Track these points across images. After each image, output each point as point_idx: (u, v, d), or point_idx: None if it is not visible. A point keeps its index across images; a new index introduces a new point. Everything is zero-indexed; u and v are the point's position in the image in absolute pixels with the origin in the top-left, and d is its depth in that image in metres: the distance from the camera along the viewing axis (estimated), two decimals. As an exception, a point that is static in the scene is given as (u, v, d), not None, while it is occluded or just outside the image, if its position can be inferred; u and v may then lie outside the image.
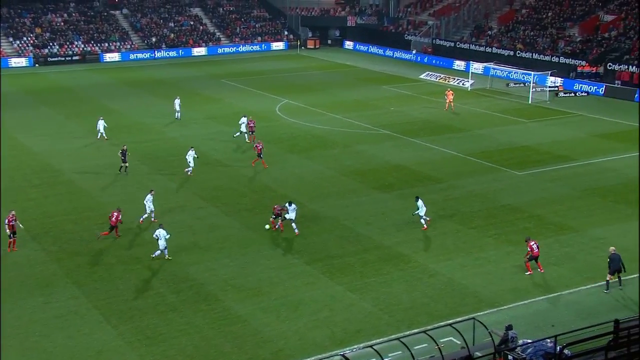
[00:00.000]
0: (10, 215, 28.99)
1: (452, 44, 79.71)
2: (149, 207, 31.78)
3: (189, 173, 38.23)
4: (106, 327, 23.20)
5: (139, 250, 29.19)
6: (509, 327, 20.00)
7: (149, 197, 31.95)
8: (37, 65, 78.01)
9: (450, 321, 21.15)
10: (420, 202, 31.17)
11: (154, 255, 28.10)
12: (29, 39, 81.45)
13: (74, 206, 34.08)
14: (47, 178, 38.27)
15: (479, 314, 23.34)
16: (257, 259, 28.40)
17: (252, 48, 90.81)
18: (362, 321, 23.69)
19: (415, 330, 22.50)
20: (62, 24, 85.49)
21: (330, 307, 24.61)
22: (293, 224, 30.83)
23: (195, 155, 38.70)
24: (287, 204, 30.99)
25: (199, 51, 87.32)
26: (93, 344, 22.25)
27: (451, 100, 55.31)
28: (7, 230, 28.79)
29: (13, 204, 33.93)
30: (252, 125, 45.05)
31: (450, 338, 20.38)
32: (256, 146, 40.14)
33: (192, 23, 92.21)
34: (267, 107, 56.15)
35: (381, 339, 22.14)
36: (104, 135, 45.86)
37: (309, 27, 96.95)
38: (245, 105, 57.06)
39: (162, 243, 27.93)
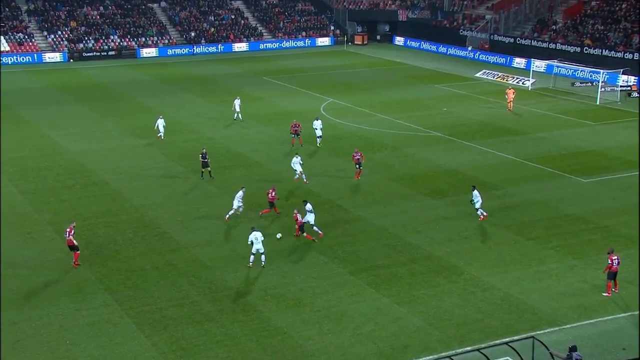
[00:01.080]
0: (70, 228, 28.43)
1: (512, 40, 78.76)
2: (237, 203, 32.71)
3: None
4: (139, 336, 23.60)
5: (174, 255, 29.63)
6: (573, 349, 19.62)
7: (240, 193, 32.89)
8: (71, 60, 79.94)
9: (507, 339, 20.92)
10: (476, 192, 32.25)
11: (250, 264, 28.28)
12: (64, 33, 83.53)
13: (108, 209, 34.80)
14: (81, 179, 39.18)
15: (538, 332, 22.99)
16: (298, 268, 28.52)
17: (295, 44, 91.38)
18: (410, 336, 23.57)
19: (468, 348, 22.28)
20: (98, 17, 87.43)
21: (376, 320, 24.56)
22: (315, 227, 31.06)
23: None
24: (304, 206, 31.44)
25: (240, 47, 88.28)
26: (125, 354, 22.66)
27: (512, 99, 54.67)
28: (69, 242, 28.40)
29: (45, 205, 34.92)
30: (297, 128, 45.04)
31: (507, 358, 20.14)
32: (354, 156, 38.82)
33: (233, 17, 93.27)
34: (311, 107, 56.38)
35: (430, 357, 22.00)
36: (162, 135, 46.58)
37: (357, 21, 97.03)
38: (288, 104, 57.45)
39: (258, 246, 28.17)
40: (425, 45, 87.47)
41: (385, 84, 66.73)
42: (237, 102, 52.41)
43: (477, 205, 32.64)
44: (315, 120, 45.69)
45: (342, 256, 29.59)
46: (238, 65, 77.55)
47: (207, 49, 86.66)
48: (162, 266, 28.65)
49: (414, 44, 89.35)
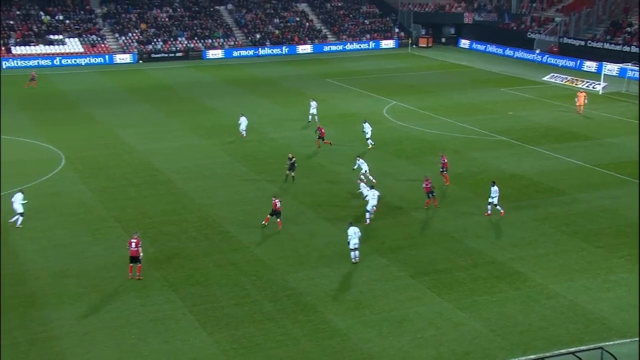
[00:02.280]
0: (134, 238, 27.61)
1: (583, 43, 76.88)
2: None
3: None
4: (202, 333, 23.97)
5: (236, 255, 29.99)
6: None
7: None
8: (140, 61, 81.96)
9: (573, 349, 20.40)
10: (495, 188, 33.30)
11: (354, 260, 28.80)
12: (134, 35, 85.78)
13: (173, 207, 35.49)
14: (147, 177, 40.08)
15: (607, 343, 22.32)
16: (358, 270, 28.48)
17: (360, 46, 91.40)
18: (472, 342, 23.24)
19: (532, 357, 21.84)
20: (167, 19, 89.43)
21: (437, 325, 24.31)
22: (367, 213, 32.02)
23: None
24: (367, 188, 33.10)
25: (304, 49, 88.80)
26: (188, 350, 23.06)
27: (582, 103, 53.33)
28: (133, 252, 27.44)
29: (113, 202, 35.86)
30: (323, 131, 45.29)
31: (572, 368, 19.63)
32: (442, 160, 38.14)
33: (298, 19, 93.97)
34: (374, 109, 56.27)
35: (492, 364, 21.62)
36: (244, 133, 47.58)
37: (422, 24, 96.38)
38: (351, 106, 57.49)
39: (355, 241, 28.58)
40: (492, 48, 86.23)
41: (450, 87, 66.06)
42: (313, 103, 52.80)
43: (495, 201, 33.29)
44: (364, 123, 45.91)
45: (403, 259, 29.42)
46: (302, 67, 78.01)
47: (271, 51, 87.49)
48: (224, 265, 29.03)
49: (480, 46, 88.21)
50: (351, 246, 28.73)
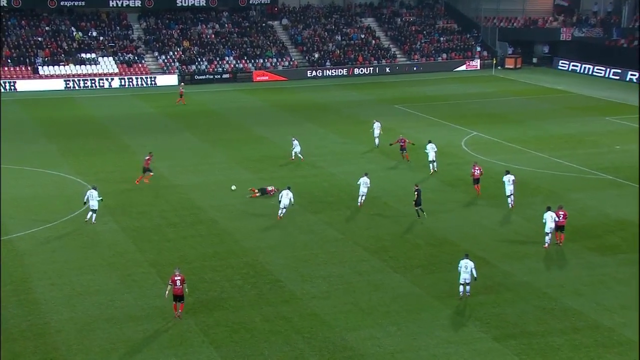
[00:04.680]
0: (177, 275, 29.09)
1: None
2: None
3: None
4: (246, 398, 24.03)
5: (287, 307, 30.08)
6: None
7: None
8: (182, 83, 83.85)
9: None
10: (508, 177, 39.32)
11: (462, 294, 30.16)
12: (176, 53, 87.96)
13: (215, 250, 35.96)
14: (187, 216, 40.78)
15: None
16: (431, 329, 28.23)
17: (434, 68, 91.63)
18: (568, 421, 22.66)
19: None
20: (213, 36, 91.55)
21: (525, 399, 23.84)
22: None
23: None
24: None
25: (370, 70, 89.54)
26: (229, 417, 23.13)
27: None
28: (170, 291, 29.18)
29: (148, 244, 36.56)
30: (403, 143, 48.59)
31: None
32: (473, 171, 43.40)
33: (362, 36, 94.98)
34: (449, 141, 56.14)
35: None
36: (300, 156, 50.63)
37: (509, 41, 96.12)
38: (423, 137, 57.32)
39: (465, 277, 30.37)
40: (595, 70, 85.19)
41: (542, 115, 65.48)
42: (376, 125, 54.07)
43: (508, 192, 39.86)
44: (428, 144, 47.90)
45: (485, 318, 29.03)
46: (366, 91, 78.57)
47: (332, 72, 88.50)
48: (273, 319, 29.14)
49: (580, 67, 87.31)
50: (460, 280, 30.30)
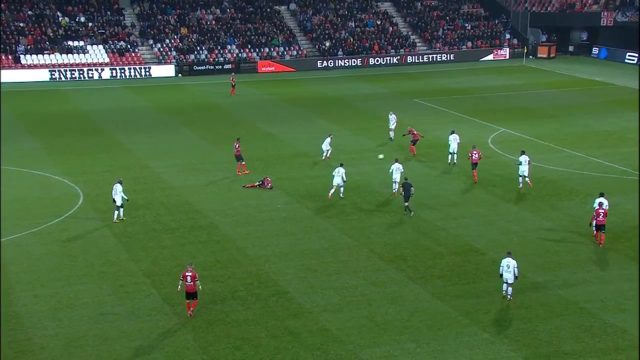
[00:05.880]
0: (189, 271, 30.15)
1: None
2: None
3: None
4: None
5: (296, 322, 30.11)
6: None
7: None
8: (179, 75, 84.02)
9: None
10: (524, 157, 43.08)
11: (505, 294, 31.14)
12: (172, 41, 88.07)
13: (217, 259, 36.00)
14: (185, 220, 40.83)
15: None
16: (455, 347, 28.19)
17: (458, 57, 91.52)
18: None
19: None
20: (214, 22, 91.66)
21: None
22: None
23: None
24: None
25: (386, 60, 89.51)
26: None
27: None
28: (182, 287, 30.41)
29: (142, 252, 36.64)
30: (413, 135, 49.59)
31: None
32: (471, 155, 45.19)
33: (379, 22, 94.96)
34: (475, 138, 55.98)
35: None
36: (329, 156, 51.05)
37: (542, 28, 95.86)
38: (444, 133, 57.21)
39: (508, 276, 31.66)
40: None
41: (579, 110, 65.41)
42: (392, 117, 54.91)
43: (525, 173, 43.29)
44: (451, 135, 49.00)
45: (514, 335, 28.98)
46: (382, 84, 78.58)
47: (344, 63, 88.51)
48: (280, 335, 29.15)
49: (623, 56, 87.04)
50: (505, 279, 31.55)
